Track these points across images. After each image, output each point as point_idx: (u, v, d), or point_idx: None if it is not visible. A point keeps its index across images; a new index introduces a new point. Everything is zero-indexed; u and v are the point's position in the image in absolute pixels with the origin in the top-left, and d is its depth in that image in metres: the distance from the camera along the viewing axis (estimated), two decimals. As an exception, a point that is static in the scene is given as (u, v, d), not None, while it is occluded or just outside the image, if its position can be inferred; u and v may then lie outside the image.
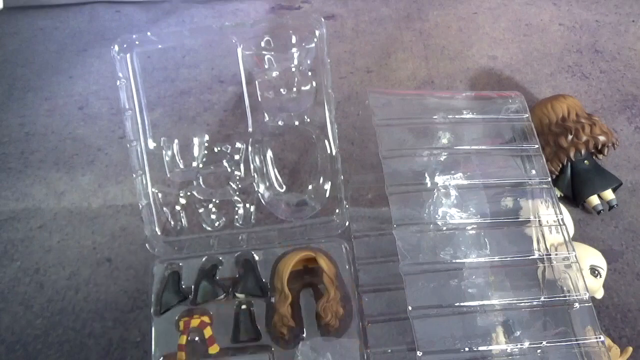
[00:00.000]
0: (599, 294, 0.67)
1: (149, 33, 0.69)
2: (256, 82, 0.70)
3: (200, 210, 0.72)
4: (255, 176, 0.72)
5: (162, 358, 0.61)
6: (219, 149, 0.72)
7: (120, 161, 0.84)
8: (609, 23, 1.07)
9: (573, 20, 1.08)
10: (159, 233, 0.70)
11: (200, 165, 0.72)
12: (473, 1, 1.13)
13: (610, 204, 0.76)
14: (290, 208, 0.73)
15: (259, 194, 0.72)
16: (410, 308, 0.51)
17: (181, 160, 0.71)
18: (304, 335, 0.63)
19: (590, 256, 0.66)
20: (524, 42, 1.04)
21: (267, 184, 0.72)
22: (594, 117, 0.79)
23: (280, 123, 0.72)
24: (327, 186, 0.71)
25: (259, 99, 0.71)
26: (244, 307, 0.65)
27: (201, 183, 0.72)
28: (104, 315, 0.68)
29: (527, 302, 0.54)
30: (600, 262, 0.66)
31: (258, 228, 0.72)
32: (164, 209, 0.70)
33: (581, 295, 0.54)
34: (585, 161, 0.78)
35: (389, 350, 0.61)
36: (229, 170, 0.72)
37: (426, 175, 0.60)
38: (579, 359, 0.51)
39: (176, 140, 0.71)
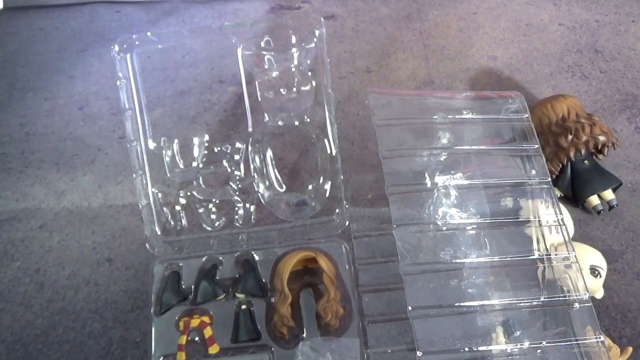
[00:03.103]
0: (599, 294, 0.67)
1: (149, 33, 0.69)
2: (256, 82, 0.71)
3: (200, 210, 0.72)
4: (255, 176, 0.72)
5: (161, 358, 0.61)
6: (219, 149, 0.72)
7: (120, 161, 0.84)
8: (609, 23, 1.07)
9: (573, 20, 1.08)
10: (159, 233, 0.70)
11: (200, 165, 0.72)
12: (473, 1, 1.13)
13: (610, 204, 0.76)
14: (290, 208, 0.73)
15: (259, 194, 0.72)
16: (410, 308, 0.51)
17: (181, 160, 0.71)
18: (304, 335, 0.63)
19: (590, 256, 0.66)
20: (524, 42, 1.04)
21: (267, 184, 0.72)
22: (594, 117, 0.79)
23: (280, 123, 0.72)
24: (327, 186, 0.71)
25: (259, 99, 0.71)
26: (244, 307, 0.65)
27: (201, 183, 0.72)
28: (104, 315, 0.68)
29: (527, 302, 0.54)
30: (600, 262, 0.66)
31: (258, 228, 0.72)
32: (164, 209, 0.70)
33: (581, 295, 0.54)
34: (585, 161, 0.78)
35: (389, 350, 0.61)
36: (229, 170, 0.72)
37: (426, 175, 0.60)
38: (579, 359, 0.51)
39: (176, 140, 0.71)
